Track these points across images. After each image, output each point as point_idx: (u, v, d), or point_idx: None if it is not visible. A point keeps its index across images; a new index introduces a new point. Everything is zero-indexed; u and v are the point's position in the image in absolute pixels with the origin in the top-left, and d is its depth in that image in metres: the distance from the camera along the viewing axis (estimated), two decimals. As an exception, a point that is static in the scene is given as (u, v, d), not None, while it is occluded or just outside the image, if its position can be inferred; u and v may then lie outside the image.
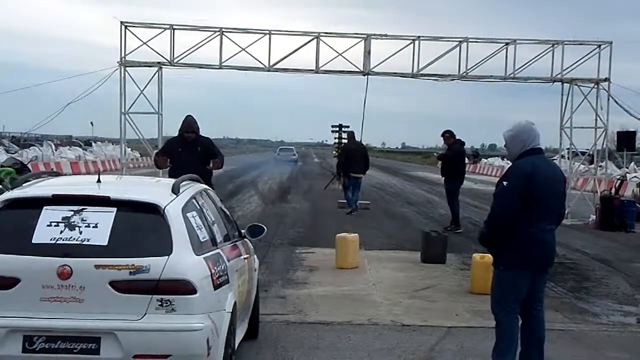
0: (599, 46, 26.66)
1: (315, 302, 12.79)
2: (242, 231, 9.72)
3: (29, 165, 27.64)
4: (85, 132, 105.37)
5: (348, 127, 42.72)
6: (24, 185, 7.97)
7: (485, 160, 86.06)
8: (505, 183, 8.40)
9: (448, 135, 23.14)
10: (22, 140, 73.76)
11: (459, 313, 12.27)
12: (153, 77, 26.07)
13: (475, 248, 17.61)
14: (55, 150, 58.65)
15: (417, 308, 12.58)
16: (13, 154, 48.20)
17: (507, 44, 26.57)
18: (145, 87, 25.98)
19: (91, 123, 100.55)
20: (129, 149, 51.48)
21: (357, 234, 16.65)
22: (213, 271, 7.41)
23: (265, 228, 10.09)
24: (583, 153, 30.85)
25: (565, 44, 26.57)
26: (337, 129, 43.09)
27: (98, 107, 53.19)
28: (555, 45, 26.62)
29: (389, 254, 18.22)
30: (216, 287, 7.40)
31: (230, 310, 7.78)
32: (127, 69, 25.84)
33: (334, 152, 46.56)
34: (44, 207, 7.20)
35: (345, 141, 31.94)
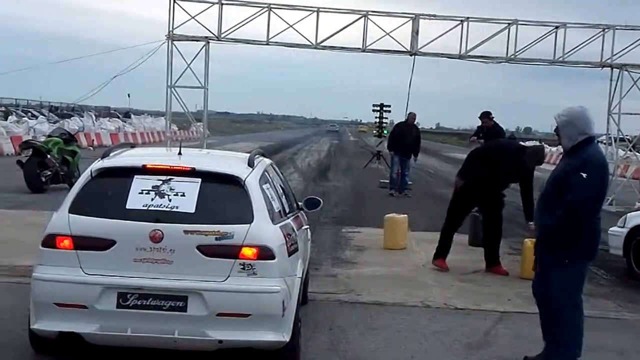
0: (651, 31, 26.35)
1: (366, 282, 12.80)
2: (300, 203, 10.24)
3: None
4: (122, 104, 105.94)
5: (389, 106, 42.65)
6: (110, 155, 8.44)
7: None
8: (584, 175, 8.04)
9: (493, 116, 21.57)
10: (59, 110, 74.22)
11: (511, 298, 12.22)
12: (200, 51, 26.08)
13: (522, 233, 17.56)
14: (96, 121, 58.87)
15: (469, 292, 12.54)
16: (53, 123, 48.46)
17: (556, 27, 26.29)
18: (192, 61, 25.99)
19: (128, 95, 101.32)
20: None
21: (406, 215, 16.64)
22: (287, 239, 7.99)
23: (322, 201, 10.53)
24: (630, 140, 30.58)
25: (616, 29, 26.23)
26: (379, 108, 42.93)
27: (137, 80, 53.32)
28: (606, 30, 26.28)
29: (436, 235, 17.98)
30: (289, 254, 8.01)
31: (300, 276, 8.41)
32: (175, 42, 25.88)
33: (374, 131, 46.45)
34: (135, 176, 7.76)
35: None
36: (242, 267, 7.45)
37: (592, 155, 8.30)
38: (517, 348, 9.62)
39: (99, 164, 8.12)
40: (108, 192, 7.88)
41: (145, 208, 7.55)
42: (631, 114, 27.84)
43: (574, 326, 8.37)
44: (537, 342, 9.66)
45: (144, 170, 7.85)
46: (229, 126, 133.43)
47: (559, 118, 8.39)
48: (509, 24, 26.29)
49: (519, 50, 26.50)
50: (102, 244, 7.46)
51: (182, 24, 25.85)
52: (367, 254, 15.42)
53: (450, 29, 26.42)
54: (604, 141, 28.81)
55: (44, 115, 59.86)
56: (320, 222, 19.00)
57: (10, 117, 49.76)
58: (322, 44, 26.34)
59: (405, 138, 27.33)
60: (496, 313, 11.27)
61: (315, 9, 26.06)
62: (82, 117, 59.12)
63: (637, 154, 30.10)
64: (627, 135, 30.84)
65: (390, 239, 15.96)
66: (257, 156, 8.89)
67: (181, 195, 7.64)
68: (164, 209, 7.56)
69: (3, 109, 69.60)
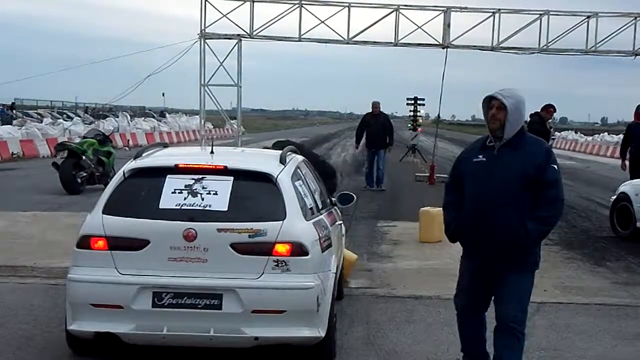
0: (685, 19, 26.09)
1: (401, 275, 12.80)
2: (333, 199, 10.26)
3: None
4: (157, 103, 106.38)
5: (423, 100, 42.63)
6: (143, 155, 8.52)
7: (558, 134, 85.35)
8: (556, 167, 6.93)
9: (553, 109, 20.19)
10: (91, 111, 74.65)
11: (547, 289, 12.10)
12: (232, 49, 26.18)
13: (559, 223, 17.46)
14: (131, 121, 59.17)
15: (504, 284, 12.44)
16: (89, 124, 48.78)
17: (588, 16, 26.19)
18: (225, 59, 26.11)
19: (163, 94, 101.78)
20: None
21: (441, 208, 16.53)
22: (320, 235, 8.00)
23: (355, 196, 10.54)
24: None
25: (649, 17, 26.05)
26: (412, 101, 42.94)
27: (171, 79, 53.69)
28: (638, 18, 26.12)
29: (471, 228, 18.04)
30: (323, 249, 8.01)
31: (335, 272, 8.42)
32: (207, 41, 25.98)
33: (409, 124, 46.43)
34: (167, 176, 7.82)
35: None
36: (275, 263, 7.49)
37: (544, 142, 7.24)
38: (553, 338, 9.62)
39: (131, 164, 8.19)
40: (141, 192, 7.92)
41: (179, 207, 7.60)
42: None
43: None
44: (574, 332, 9.69)
45: (176, 170, 7.91)
46: (264, 123, 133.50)
47: (507, 100, 6.81)
48: (540, 14, 26.21)
49: (552, 41, 26.44)
50: (136, 244, 7.53)
51: (214, 22, 26.01)
52: (402, 247, 15.40)
53: (482, 21, 26.40)
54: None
55: (79, 117, 60.24)
56: (356, 216, 19.00)
57: (45, 119, 50.10)
58: (354, 39, 26.41)
59: (371, 129, 25.57)
60: (532, 304, 11.04)
61: (347, 4, 26.12)
62: (117, 117, 59.45)
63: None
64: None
65: (426, 233, 15.93)
66: (289, 153, 8.91)
67: (214, 194, 7.68)
68: (197, 207, 7.60)
69: (41, 111, 70.17)
